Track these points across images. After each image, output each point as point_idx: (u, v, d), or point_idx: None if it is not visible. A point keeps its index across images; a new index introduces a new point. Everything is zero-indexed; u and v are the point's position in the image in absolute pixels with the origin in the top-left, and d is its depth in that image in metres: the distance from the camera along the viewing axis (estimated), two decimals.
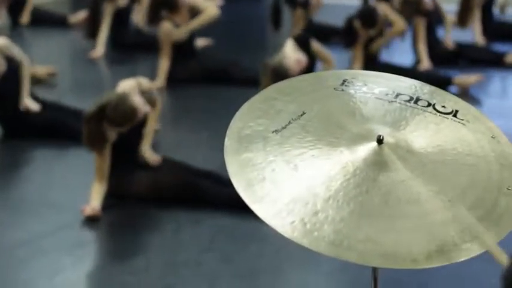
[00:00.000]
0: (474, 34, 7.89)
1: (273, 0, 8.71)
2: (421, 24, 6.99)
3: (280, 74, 4.77)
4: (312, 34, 5.60)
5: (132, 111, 3.83)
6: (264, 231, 3.45)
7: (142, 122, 4.08)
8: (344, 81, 1.38)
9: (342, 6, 10.05)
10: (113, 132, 3.85)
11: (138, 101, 3.88)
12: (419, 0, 6.96)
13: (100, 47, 7.30)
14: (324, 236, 1.16)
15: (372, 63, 6.42)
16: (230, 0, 11.55)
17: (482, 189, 1.28)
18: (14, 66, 4.98)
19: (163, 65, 6.25)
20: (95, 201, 3.76)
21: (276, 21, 8.65)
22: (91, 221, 3.72)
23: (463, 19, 7.74)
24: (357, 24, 6.31)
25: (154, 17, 6.22)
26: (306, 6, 8.11)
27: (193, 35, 6.53)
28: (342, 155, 1.26)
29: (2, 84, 4.94)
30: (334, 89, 1.37)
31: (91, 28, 7.34)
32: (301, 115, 1.31)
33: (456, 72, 6.64)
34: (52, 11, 9.07)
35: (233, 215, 3.74)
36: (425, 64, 6.83)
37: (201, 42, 7.32)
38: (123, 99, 3.83)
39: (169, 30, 6.18)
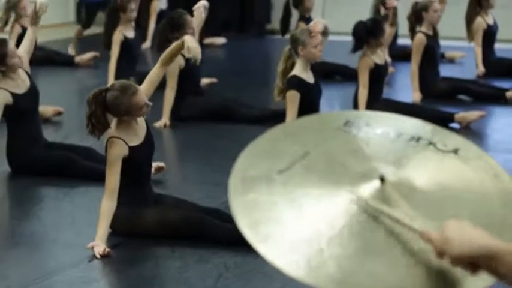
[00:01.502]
0: (476, 63, 8.03)
1: (284, 5, 8.75)
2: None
3: None
4: (314, 71, 5.64)
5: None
6: (269, 268, 3.46)
7: (151, 154, 4.12)
8: (347, 121, 1.42)
9: (343, 43, 10.14)
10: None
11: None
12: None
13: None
14: (329, 273, 1.18)
15: (375, 100, 6.44)
16: (233, 38, 11.66)
17: (483, 226, 1.31)
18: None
19: (169, 96, 6.21)
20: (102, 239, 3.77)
21: (285, 26, 8.70)
22: (102, 257, 3.72)
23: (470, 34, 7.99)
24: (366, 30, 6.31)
25: (163, 42, 6.17)
26: None
27: (198, 74, 6.60)
28: (345, 194, 1.29)
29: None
30: (337, 129, 1.40)
31: (107, 39, 7.49)
32: (305, 155, 1.34)
33: (458, 109, 6.66)
34: (58, 51, 9.19)
35: (238, 252, 3.75)
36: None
37: (206, 81, 7.40)
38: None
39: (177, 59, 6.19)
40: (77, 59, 8.99)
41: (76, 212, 4.50)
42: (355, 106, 6.39)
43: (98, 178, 4.49)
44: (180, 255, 3.81)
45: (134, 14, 7.52)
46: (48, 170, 5.00)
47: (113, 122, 3.96)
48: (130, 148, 3.92)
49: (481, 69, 8.03)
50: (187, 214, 3.99)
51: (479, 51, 8.12)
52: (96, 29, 12.83)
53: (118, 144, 3.89)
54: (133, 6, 7.46)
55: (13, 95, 4.92)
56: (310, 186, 1.28)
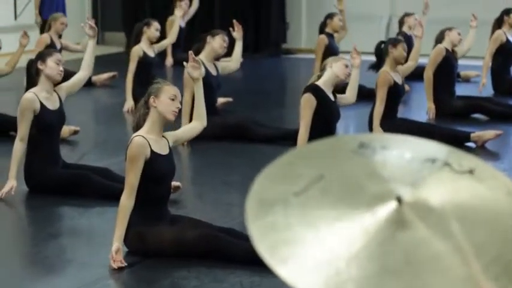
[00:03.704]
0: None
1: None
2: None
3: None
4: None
5: None
6: None
7: (172, 174, 4.15)
8: (362, 144, 1.43)
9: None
10: None
11: None
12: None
13: (129, 101, 7.56)
14: None
15: (390, 118, 6.44)
16: (249, 58, 11.71)
17: (500, 243, 1.31)
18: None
19: (187, 101, 6.14)
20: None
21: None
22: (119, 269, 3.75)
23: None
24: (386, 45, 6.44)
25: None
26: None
27: (214, 93, 6.63)
28: (362, 216, 1.29)
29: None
30: (352, 152, 1.41)
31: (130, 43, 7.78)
32: (321, 178, 1.35)
33: (474, 128, 6.65)
34: (74, 71, 9.25)
35: (254, 272, 3.75)
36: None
37: (221, 100, 7.43)
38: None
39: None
40: (94, 78, 9.06)
41: (92, 232, 4.52)
42: (371, 124, 6.39)
43: (114, 197, 4.52)
44: (195, 275, 3.82)
45: (157, 34, 7.73)
46: (66, 188, 5.02)
47: (144, 127, 4.03)
48: (153, 152, 3.94)
49: (484, 81, 8.08)
50: (204, 232, 4.00)
51: (488, 60, 8.16)
52: (114, 48, 12.95)
53: (142, 142, 3.93)
54: (158, 26, 7.71)
55: (42, 106, 4.95)
56: (327, 208, 1.29)
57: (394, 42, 6.48)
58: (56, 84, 5.07)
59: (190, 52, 4.45)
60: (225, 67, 6.68)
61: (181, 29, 10.76)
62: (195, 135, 4.33)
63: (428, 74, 7.26)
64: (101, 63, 9.80)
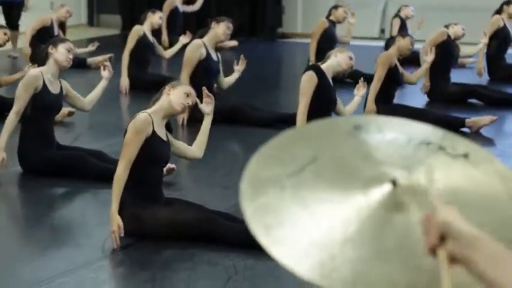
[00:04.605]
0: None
1: None
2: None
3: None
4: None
5: None
6: (280, 271, 3.47)
7: (168, 158, 4.19)
8: (357, 126, 1.43)
9: (355, 47, 10.13)
10: None
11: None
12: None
13: (124, 77, 7.64)
14: (343, 277, 1.19)
15: (386, 103, 6.45)
16: (245, 41, 11.67)
17: (496, 228, 1.31)
18: None
19: (184, 80, 6.32)
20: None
21: None
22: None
23: None
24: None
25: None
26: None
27: (213, 77, 6.66)
28: (356, 198, 1.29)
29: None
30: (347, 134, 1.41)
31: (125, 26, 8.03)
32: (315, 160, 1.35)
33: (469, 114, 6.66)
34: None
35: (248, 255, 3.76)
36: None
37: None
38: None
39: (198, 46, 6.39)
40: (90, 60, 9.04)
41: (87, 213, 4.52)
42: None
43: (108, 179, 4.52)
44: (189, 257, 3.82)
45: (160, 22, 7.99)
46: (60, 169, 5.03)
47: (154, 106, 4.11)
48: (154, 132, 4.02)
49: (481, 65, 8.21)
50: (199, 214, 4.02)
51: (485, 42, 8.25)
52: (109, 30, 12.91)
53: (147, 118, 4.01)
54: (162, 15, 8.08)
55: (44, 86, 4.99)
56: (321, 190, 1.29)
57: (404, 34, 6.74)
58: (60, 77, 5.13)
59: (204, 88, 4.46)
60: (227, 82, 6.78)
61: (178, 12, 10.75)
62: (187, 158, 4.40)
63: (426, 47, 7.35)
64: (98, 44, 9.75)
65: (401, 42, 6.48)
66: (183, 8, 10.82)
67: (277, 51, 11.84)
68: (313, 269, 1.19)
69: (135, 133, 3.95)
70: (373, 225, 1.27)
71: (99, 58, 9.11)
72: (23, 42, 8.76)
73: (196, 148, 4.37)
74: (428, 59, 6.87)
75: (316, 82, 5.35)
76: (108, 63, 5.36)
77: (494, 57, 8.40)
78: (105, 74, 5.31)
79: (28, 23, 9.12)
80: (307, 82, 5.37)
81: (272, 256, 1.19)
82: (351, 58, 5.47)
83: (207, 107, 4.42)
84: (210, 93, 4.48)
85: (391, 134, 1.43)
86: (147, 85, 7.48)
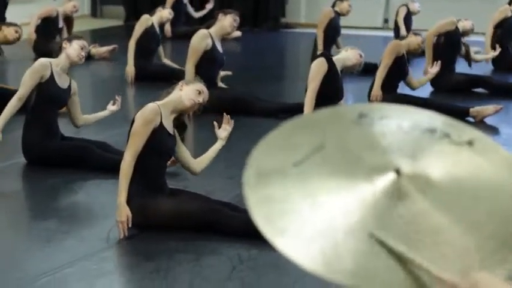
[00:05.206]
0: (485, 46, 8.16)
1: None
2: None
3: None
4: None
5: None
6: (284, 261, 3.46)
7: (172, 151, 4.17)
8: (361, 114, 1.41)
9: (358, 37, 10.10)
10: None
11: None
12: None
13: (130, 65, 7.69)
14: (345, 267, 1.17)
15: (390, 93, 6.44)
16: (248, 32, 11.65)
17: (500, 219, 1.30)
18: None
19: (190, 70, 6.32)
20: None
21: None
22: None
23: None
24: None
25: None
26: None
27: (217, 67, 6.68)
28: (360, 187, 1.28)
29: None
30: (352, 122, 1.40)
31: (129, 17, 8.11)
32: (320, 148, 1.33)
33: (473, 103, 6.64)
34: None
35: (252, 245, 3.76)
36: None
37: (220, 74, 7.42)
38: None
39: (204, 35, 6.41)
40: (93, 51, 9.03)
41: (90, 205, 4.52)
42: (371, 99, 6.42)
43: (113, 169, 4.51)
44: (193, 248, 3.82)
45: (170, 17, 8.17)
46: (64, 160, 5.03)
47: (164, 99, 4.12)
48: (161, 124, 3.99)
49: (489, 54, 8.23)
50: (203, 204, 4.02)
51: (490, 31, 8.30)
52: (113, 21, 12.89)
53: (157, 109, 3.99)
54: (172, 12, 8.26)
55: (52, 76, 5.00)
56: (325, 179, 1.28)
57: (417, 33, 6.82)
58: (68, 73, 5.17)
59: (225, 115, 4.44)
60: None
61: (182, 3, 10.75)
62: (183, 167, 4.37)
63: (429, 37, 7.37)
64: (100, 36, 9.75)
65: (413, 39, 6.64)
66: (192, 13, 11.11)
67: (281, 41, 11.81)
68: (315, 258, 1.18)
69: (143, 123, 3.93)
70: (377, 215, 1.25)
71: (103, 49, 9.11)
72: (28, 28, 8.75)
73: (198, 164, 4.32)
74: (432, 70, 6.88)
75: (326, 69, 5.50)
76: (118, 100, 5.31)
77: (501, 47, 8.37)
78: (112, 108, 5.33)
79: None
80: (318, 68, 5.55)
81: (275, 247, 1.18)
82: (360, 56, 5.72)
83: (223, 132, 4.39)
84: (231, 120, 4.43)
85: (396, 122, 1.42)
86: (153, 76, 7.49)
